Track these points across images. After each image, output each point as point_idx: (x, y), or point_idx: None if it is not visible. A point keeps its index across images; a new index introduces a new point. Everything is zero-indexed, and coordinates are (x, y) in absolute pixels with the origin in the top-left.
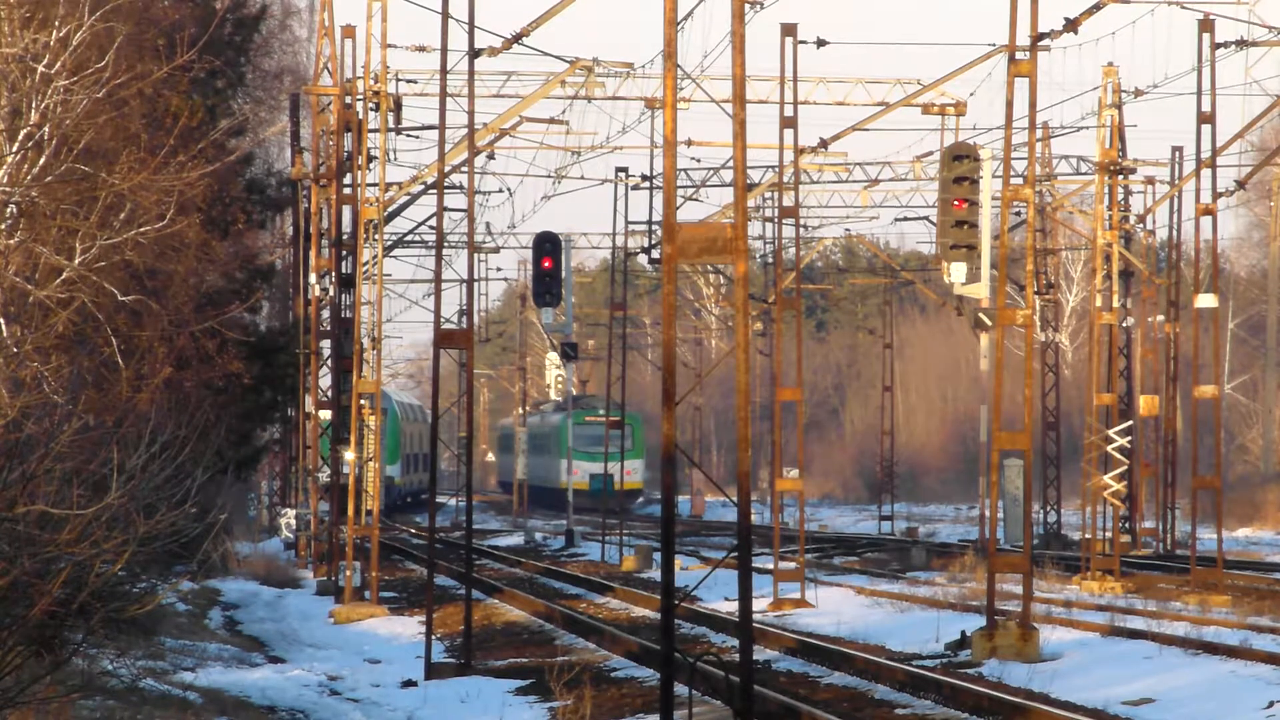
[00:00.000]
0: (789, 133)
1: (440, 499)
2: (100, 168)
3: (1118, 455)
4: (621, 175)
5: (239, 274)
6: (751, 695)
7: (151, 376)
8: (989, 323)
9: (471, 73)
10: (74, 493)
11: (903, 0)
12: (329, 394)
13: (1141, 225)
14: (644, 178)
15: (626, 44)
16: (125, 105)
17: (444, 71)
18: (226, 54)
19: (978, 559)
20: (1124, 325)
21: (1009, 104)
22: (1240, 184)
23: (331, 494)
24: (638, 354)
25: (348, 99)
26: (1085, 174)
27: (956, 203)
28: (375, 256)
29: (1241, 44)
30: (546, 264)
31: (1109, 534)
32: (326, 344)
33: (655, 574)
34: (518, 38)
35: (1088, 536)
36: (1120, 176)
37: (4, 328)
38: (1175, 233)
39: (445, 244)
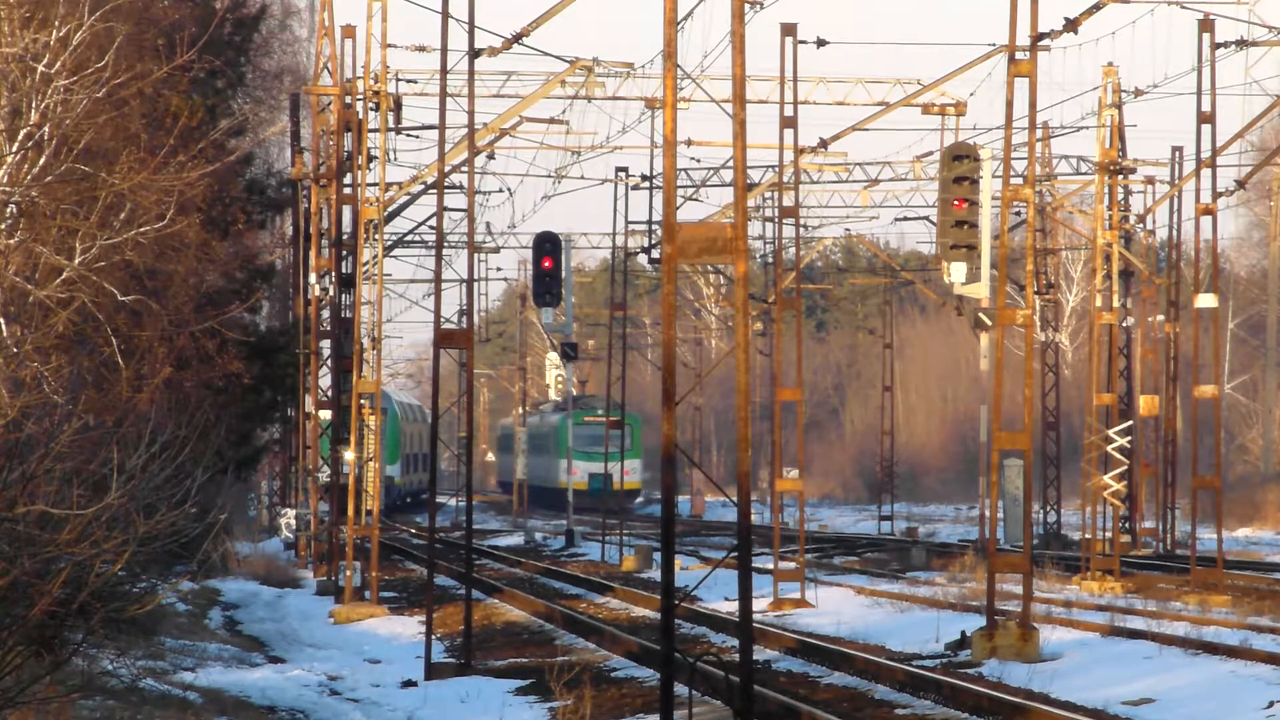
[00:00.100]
0: (789, 133)
1: (440, 499)
2: (100, 168)
3: (1118, 455)
4: (621, 175)
5: (239, 274)
6: (751, 695)
7: (151, 376)
8: (989, 323)
9: (471, 73)
10: (74, 493)
11: (903, 0)
12: (329, 394)
13: (1141, 225)
14: (644, 178)
15: (626, 44)
16: (125, 105)
17: (444, 71)
18: (226, 54)
19: (978, 559)
20: (1124, 325)
21: (1009, 104)
22: (1240, 184)
23: (331, 494)
24: (638, 354)
25: (348, 99)
26: (1085, 174)
27: (956, 203)
28: (375, 256)
29: (1241, 44)
30: (546, 264)
31: (1109, 534)
32: (326, 344)
33: (655, 574)
34: (518, 38)
35: (1088, 536)
36: (1120, 176)
37: (4, 328)
38: (1175, 233)
39: (445, 244)
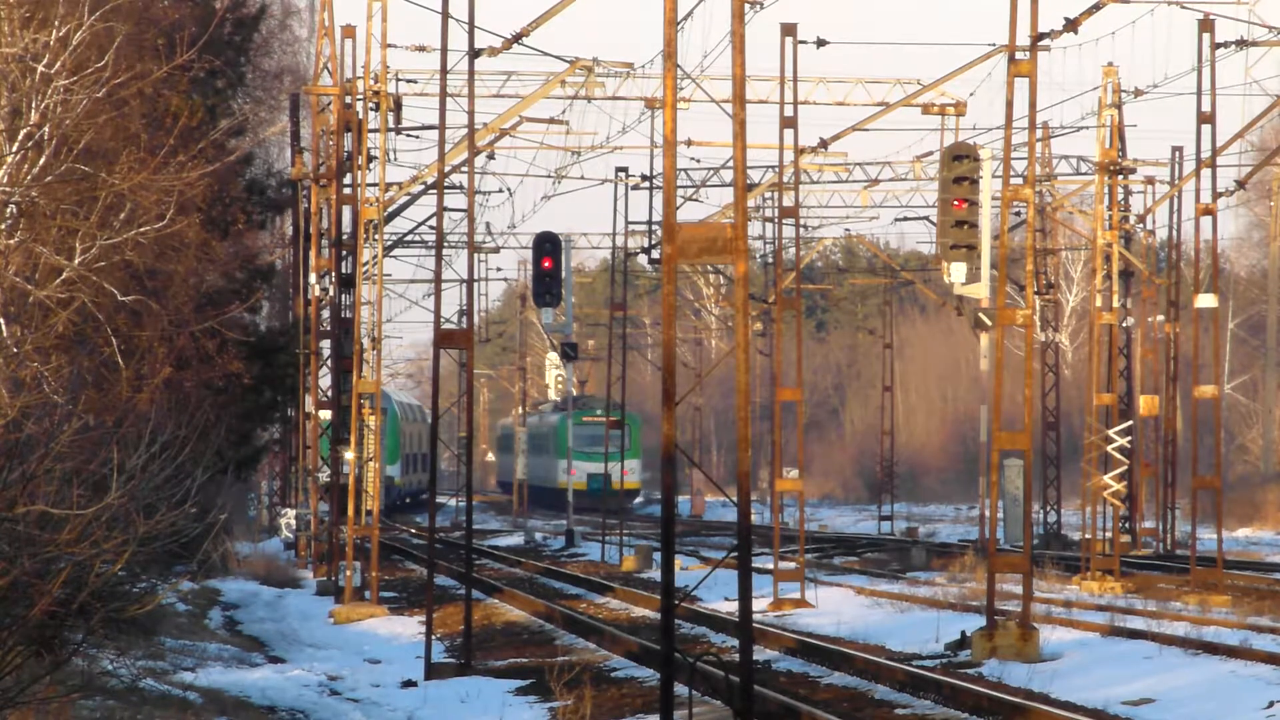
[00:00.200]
0: (789, 133)
1: (440, 499)
2: (100, 168)
3: (1118, 455)
4: (621, 175)
5: (239, 274)
6: (751, 695)
7: (151, 376)
8: (989, 323)
9: (471, 73)
10: (74, 493)
11: (903, 0)
12: (329, 394)
13: (1141, 225)
14: (644, 178)
15: (626, 44)
16: (125, 105)
17: (444, 71)
18: (226, 54)
19: (978, 559)
20: (1124, 325)
21: (1009, 104)
22: (1240, 184)
23: (331, 494)
24: (638, 354)
25: (348, 99)
26: (1085, 174)
27: (956, 203)
28: (375, 256)
29: (1241, 44)
30: (546, 264)
31: (1109, 534)
32: (326, 344)
33: (655, 574)
34: (518, 38)
35: (1088, 536)
36: (1120, 176)
37: (4, 328)
38: (1175, 233)
39: (445, 244)
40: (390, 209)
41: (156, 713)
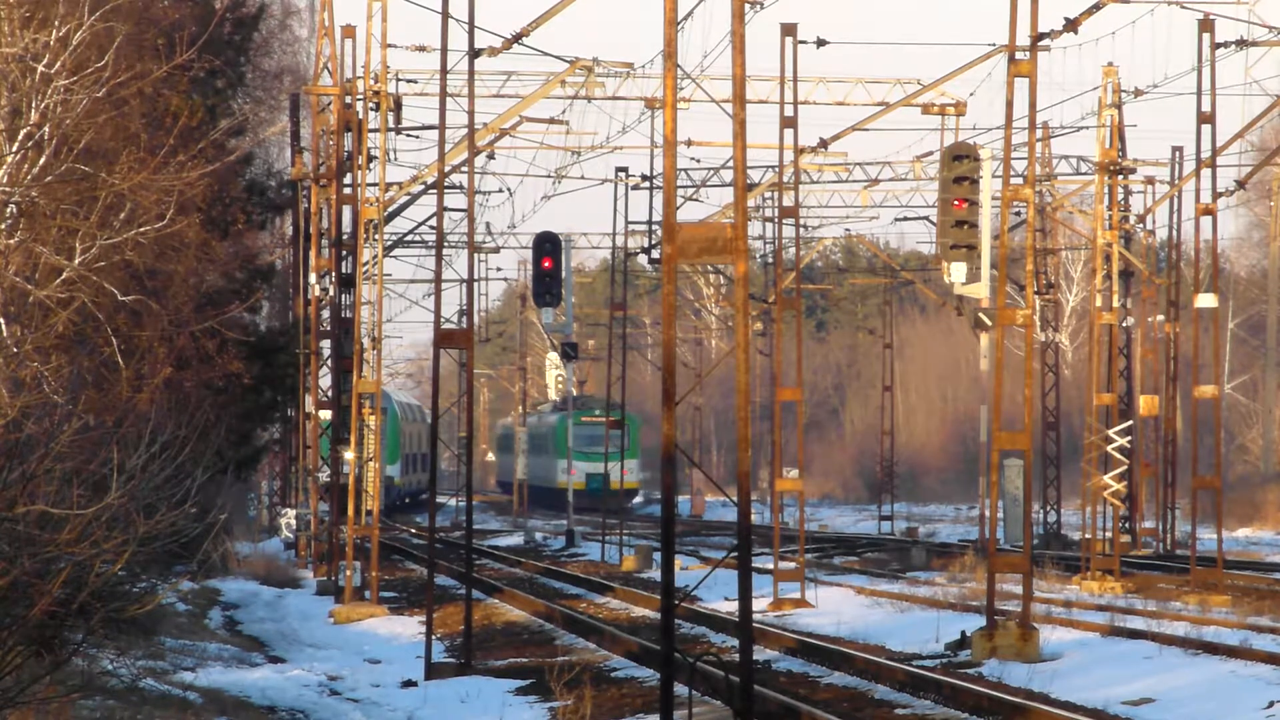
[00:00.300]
0: (789, 133)
1: (440, 499)
2: (100, 168)
3: (1118, 455)
4: (621, 175)
5: (239, 274)
6: (751, 695)
7: (151, 376)
8: (989, 323)
9: (471, 73)
10: (74, 493)
11: (903, 0)
12: (329, 394)
13: (1141, 225)
14: (644, 178)
15: (626, 44)
16: (125, 105)
17: (444, 71)
18: (226, 54)
19: (978, 559)
20: (1124, 325)
21: (1009, 104)
22: (1240, 184)
23: (331, 494)
24: (638, 354)
25: (348, 99)
26: (1085, 174)
27: (956, 203)
28: (375, 256)
29: (1241, 44)
30: (546, 264)
31: (1109, 534)
32: (326, 344)
33: (655, 574)
34: (518, 38)
35: (1088, 536)
36: (1120, 176)
37: (4, 328)
38: (1175, 233)
39: (445, 244)
40: (390, 209)
41: (156, 713)
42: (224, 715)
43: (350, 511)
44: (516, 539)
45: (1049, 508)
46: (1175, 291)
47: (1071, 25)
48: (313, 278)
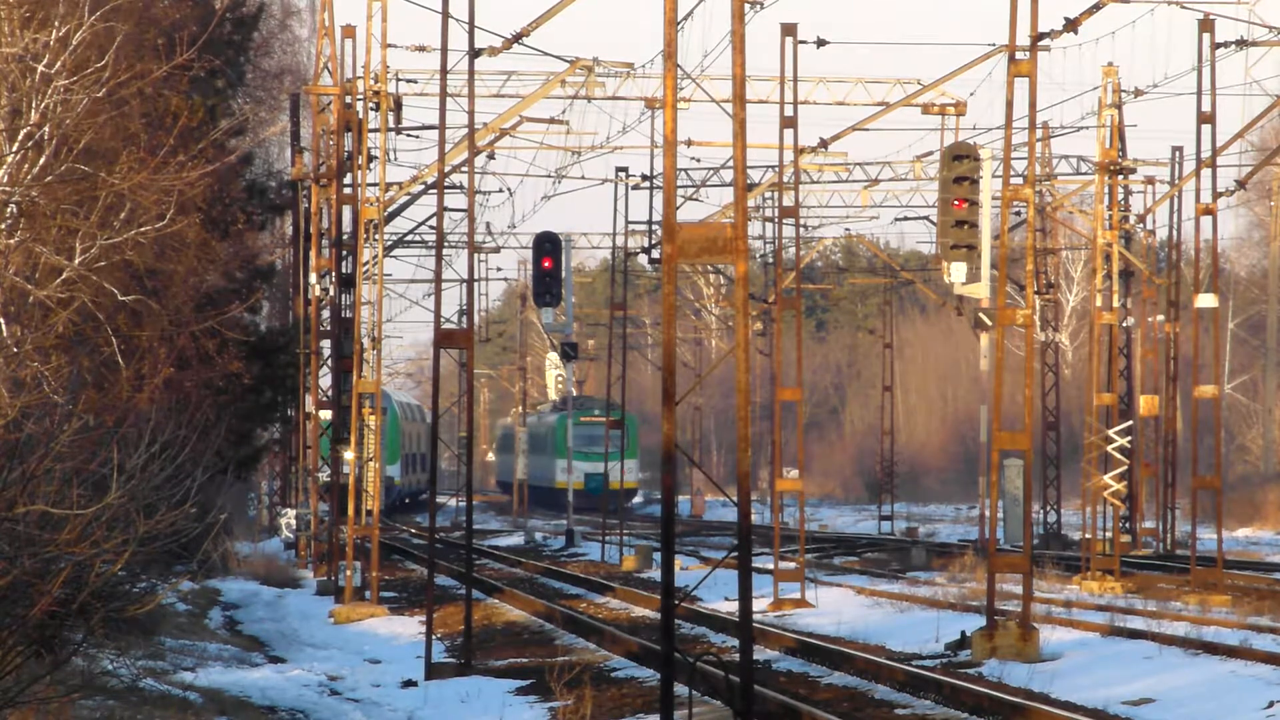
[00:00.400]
0: (789, 133)
1: (440, 499)
2: (100, 168)
3: (1118, 455)
4: (621, 175)
5: (239, 274)
6: (751, 695)
7: (151, 376)
8: (989, 323)
9: (471, 73)
10: (74, 493)
11: (903, 0)
12: (329, 394)
13: (1141, 225)
14: (644, 178)
15: (626, 44)
16: (125, 105)
17: (444, 71)
18: (226, 53)
19: (978, 559)
20: (1124, 325)
21: (1009, 104)
22: (1240, 184)
23: (331, 494)
24: (638, 354)
25: (348, 99)
26: (1085, 174)
27: (956, 203)
28: (375, 256)
29: (1241, 44)
30: (546, 264)
31: (1109, 534)
32: (326, 344)
33: (655, 574)
34: (518, 38)
35: (1088, 536)
36: (1120, 176)
37: (4, 328)
38: (1175, 233)
39: (445, 244)
40: (390, 209)
41: (156, 713)
42: (224, 715)
43: (350, 511)
44: (516, 539)
45: (1049, 508)
46: (1175, 291)
47: (1071, 25)
48: (313, 278)
